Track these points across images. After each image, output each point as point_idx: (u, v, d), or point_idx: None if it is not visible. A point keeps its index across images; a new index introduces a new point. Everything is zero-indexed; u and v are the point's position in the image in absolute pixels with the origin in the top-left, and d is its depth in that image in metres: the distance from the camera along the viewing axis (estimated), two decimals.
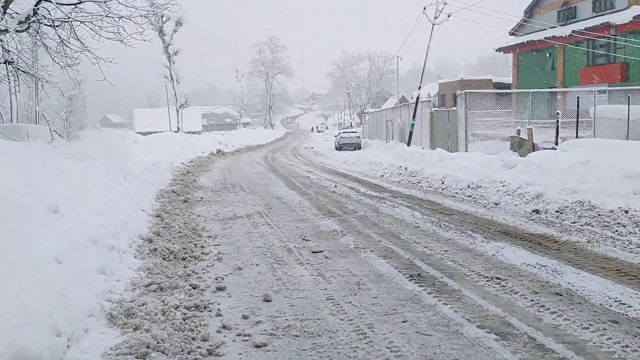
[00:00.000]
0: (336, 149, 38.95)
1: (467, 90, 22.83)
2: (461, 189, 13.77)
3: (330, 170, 21.21)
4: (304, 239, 8.04)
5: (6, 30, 13.54)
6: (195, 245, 7.43)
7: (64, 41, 14.49)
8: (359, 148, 37.80)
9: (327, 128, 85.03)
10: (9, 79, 15.62)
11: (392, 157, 23.73)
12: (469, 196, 12.84)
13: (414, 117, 25.33)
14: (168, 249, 6.73)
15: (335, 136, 42.26)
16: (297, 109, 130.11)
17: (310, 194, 13.39)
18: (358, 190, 14.22)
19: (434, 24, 24.97)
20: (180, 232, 8.13)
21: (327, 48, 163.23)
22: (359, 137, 39.58)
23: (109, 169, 12.09)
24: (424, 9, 24.97)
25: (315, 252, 7.21)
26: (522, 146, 21.15)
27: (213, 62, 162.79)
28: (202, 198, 12.30)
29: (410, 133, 25.27)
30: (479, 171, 15.43)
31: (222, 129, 78.98)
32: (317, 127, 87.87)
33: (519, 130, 22.13)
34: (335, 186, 15.12)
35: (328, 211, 10.62)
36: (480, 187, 13.54)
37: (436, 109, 28.68)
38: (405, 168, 18.64)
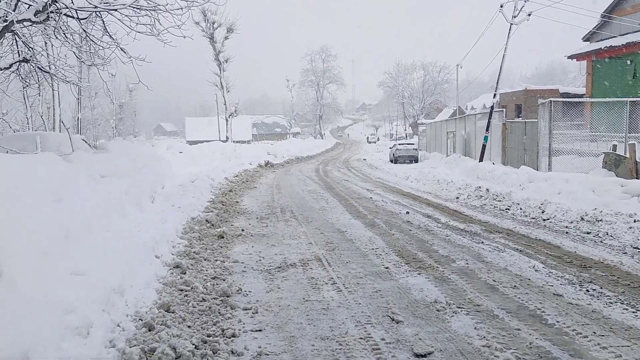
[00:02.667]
0: (391, 161, 35.97)
1: (552, 99, 19.30)
2: (572, 222, 10.50)
3: (392, 188, 18.11)
4: (393, 320, 5.01)
5: (21, 21, 11.22)
6: (222, 332, 4.51)
7: (89, 35, 12.08)
8: (416, 161, 34.77)
9: (378, 139, 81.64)
10: (31, 81, 13.30)
11: (462, 174, 20.44)
12: (588, 233, 9.57)
13: (487, 129, 21.96)
14: (174, 350, 3.85)
15: (390, 148, 39.21)
16: (346, 119, 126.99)
17: (380, 225, 10.36)
18: (438, 220, 11.11)
19: (511, 24, 21.64)
20: (203, 299, 5.24)
21: (377, 58, 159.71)
22: (416, 149, 36.41)
23: (130, 191, 9.43)
24: (501, 7, 21.66)
25: (421, 357, 4.19)
26: (619, 165, 17.54)
27: (265, 71, 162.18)
28: (243, 230, 9.41)
29: (484, 147, 21.90)
30: (590, 198, 12.07)
31: (272, 139, 77.07)
32: (368, 138, 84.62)
33: (614, 146, 18.57)
34: (408, 213, 12.05)
35: (413, 258, 7.56)
36: (601, 220, 10.22)
37: (509, 120, 25.14)
38: (487, 190, 15.36)
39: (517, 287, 6.13)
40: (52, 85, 24.36)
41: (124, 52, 12.30)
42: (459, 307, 5.37)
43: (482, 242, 8.77)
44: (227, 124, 41.26)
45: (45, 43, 12.61)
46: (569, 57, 38.11)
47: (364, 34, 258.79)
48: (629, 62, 33.76)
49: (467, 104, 76.04)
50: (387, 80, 73.75)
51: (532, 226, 10.47)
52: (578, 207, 11.27)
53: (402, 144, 36.84)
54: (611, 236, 9.21)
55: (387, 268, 6.99)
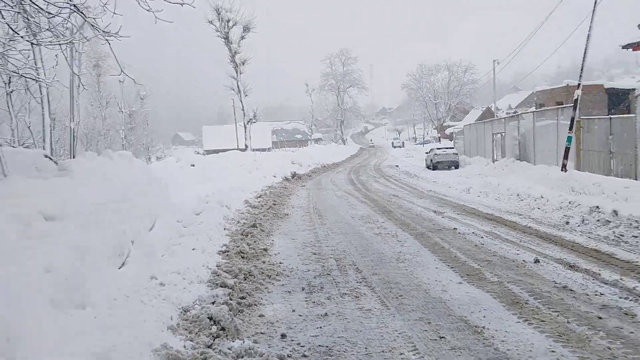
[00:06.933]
0: (428, 167, 31.23)
1: None
2: None
3: (464, 208, 13.29)
4: None
5: None
6: None
7: None
8: (457, 167, 30.03)
9: (403, 144, 76.12)
10: None
11: (545, 185, 15.44)
12: None
13: (571, 128, 16.94)
14: None
15: (426, 153, 34.32)
16: (367, 123, 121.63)
17: (525, 299, 5.56)
18: (598, 277, 6.39)
19: (596, 1, 16.73)
20: None
21: (396, 61, 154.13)
22: (457, 154, 31.50)
23: (55, 269, 4.70)
24: None
25: None
26: None
27: (283, 77, 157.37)
28: (284, 338, 4.52)
29: (567, 150, 16.88)
30: None
31: (293, 146, 72.43)
32: (393, 143, 79.19)
33: None
34: (537, 261, 7.23)
35: None
36: None
37: (587, 117, 20.07)
38: (614, 212, 10.41)
39: None
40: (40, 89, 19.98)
41: (90, 24, 7.76)
42: None
43: None
44: (245, 131, 36.63)
45: None
46: (624, 47, 32.77)
47: (381, 36, 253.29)
48: None
49: (490, 105, 70.87)
50: (410, 83, 68.79)
51: None
52: None
53: (441, 148, 32.06)
54: None
55: None
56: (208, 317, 4.39)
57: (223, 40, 35.82)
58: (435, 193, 17.43)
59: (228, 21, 35.26)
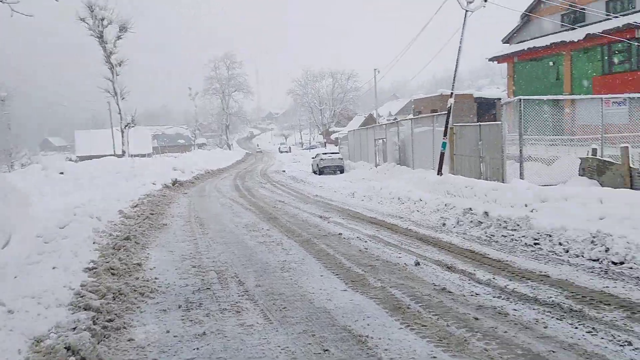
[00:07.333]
0: (315, 172, 31.72)
1: (522, 97, 15.76)
2: None
3: (349, 213, 13.53)
4: None
5: None
6: None
7: None
8: (342, 171, 30.81)
9: (290, 149, 76.67)
10: None
11: (423, 189, 16.25)
12: None
13: (445, 134, 18.02)
14: None
15: (312, 158, 34.83)
16: (253, 128, 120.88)
17: (407, 304, 5.64)
18: (473, 277, 6.73)
19: (467, 11, 17.97)
20: None
21: (281, 67, 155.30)
22: (342, 158, 32.34)
23: None
24: None
25: None
26: (604, 172, 14.46)
27: (165, 81, 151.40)
28: None
29: (442, 155, 17.95)
30: None
31: (175, 151, 69.83)
32: (280, 148, 79.45)
33: (594, 150, 15.54)
34: (418, 264, 7.47)
35: None
36: None
37: (459, 124, 21.54)
38: (485, 213, 11.16)
39: None
40: None
41: None
42: None
43: (596, 332, 4.46)
44: (123, 136, 34.56)
45: None
46: (490, 60, 35.97)
47: (267, 42, 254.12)
48: (551, 63, 31.89)
49: (372, 111, 73.99)
50: (296, 88, 69.68)
51: (626, 282, 6.31)
52: None
53: (327, 154, 32.66)
54: None
55: None
56: (65, 347, 3.86)
57: (97, 39, 33.60)
58: (321, 198, 17.61)
59: (102, 19, 33.14)
